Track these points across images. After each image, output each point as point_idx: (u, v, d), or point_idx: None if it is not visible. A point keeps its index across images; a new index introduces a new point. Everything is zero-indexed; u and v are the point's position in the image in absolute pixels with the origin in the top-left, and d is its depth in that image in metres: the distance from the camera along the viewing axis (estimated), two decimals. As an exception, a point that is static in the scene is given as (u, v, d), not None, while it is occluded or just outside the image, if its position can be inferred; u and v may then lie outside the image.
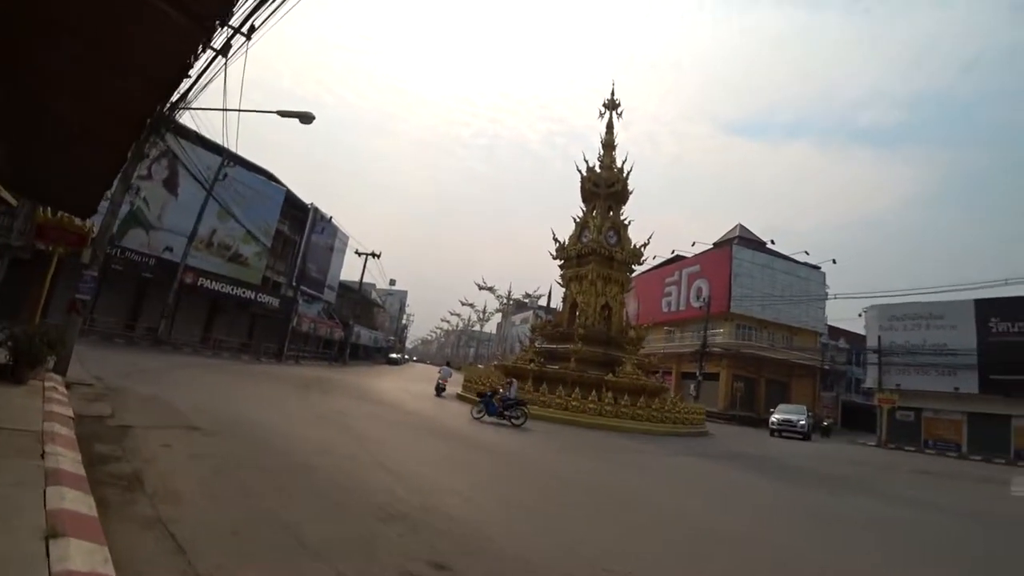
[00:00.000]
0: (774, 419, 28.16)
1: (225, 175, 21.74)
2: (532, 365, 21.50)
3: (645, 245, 25.78)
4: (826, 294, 50.68)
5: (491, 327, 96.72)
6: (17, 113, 6.99)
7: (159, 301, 23.47)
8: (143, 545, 3.49)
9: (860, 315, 41.54)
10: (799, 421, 27.23)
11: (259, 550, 3.73)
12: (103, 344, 19.42)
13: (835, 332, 54.58)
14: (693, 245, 47.95)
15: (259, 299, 28.14)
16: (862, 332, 53.98)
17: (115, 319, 23.03)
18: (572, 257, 25.32)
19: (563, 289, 26.29)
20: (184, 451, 6.12)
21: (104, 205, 11.76)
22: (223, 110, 12.56)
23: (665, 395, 22.90)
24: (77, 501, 3.68)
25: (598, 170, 26.19)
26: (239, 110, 12.74)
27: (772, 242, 46.57)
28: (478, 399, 15.79)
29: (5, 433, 5.04)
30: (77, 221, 10.82)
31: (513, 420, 14.62)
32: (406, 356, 60.57)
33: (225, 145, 16.42)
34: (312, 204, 32.79)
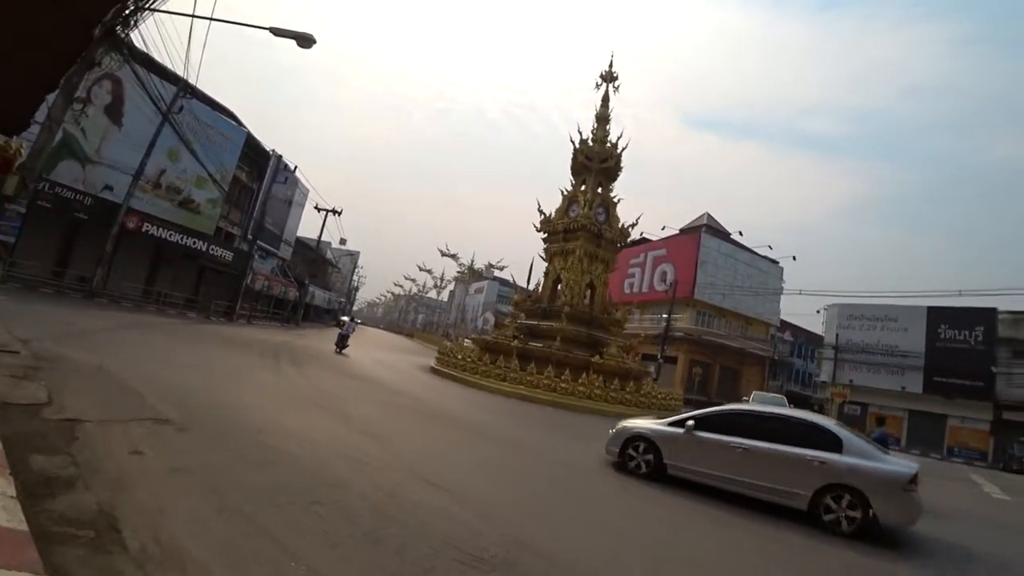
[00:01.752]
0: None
1: (181, 107, 18.73)
2: (516, 342, 20.23)
3: (633, 225, 24.84)
4: (782, 288, 52.20)
5: (445, 295, 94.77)
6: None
7: (94, 247, 20.38)
8: None
9: (818, 312, 42.61)
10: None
11: None
12: (27, 295, 16.59)
13: (782, 325, 56.58)
14: (663, 229, 47.52)
15: (211, 251, 25.16)
16: (807, 327, 56.61)
17: (40, 265, 19.84)
18: (559, 231, 23.99)
19: (545, 263, 25.01)
20: (162, 462, 4.46)
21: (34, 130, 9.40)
22: (194, 16, 10.34)
23: (646, 379, 22.31)
24: (23, 602, 2.10)
25: (590, 143, 24.81)
26: (214, 19, 10.54)
27: (740, 233, 46.77)
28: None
29: None
30: (1, 140, 8.48)
31: (343, 351, 20.87)
32: (356, 320, 58.54)
33: (185, 76, 13.99)
34: (274, 151, 29.66)
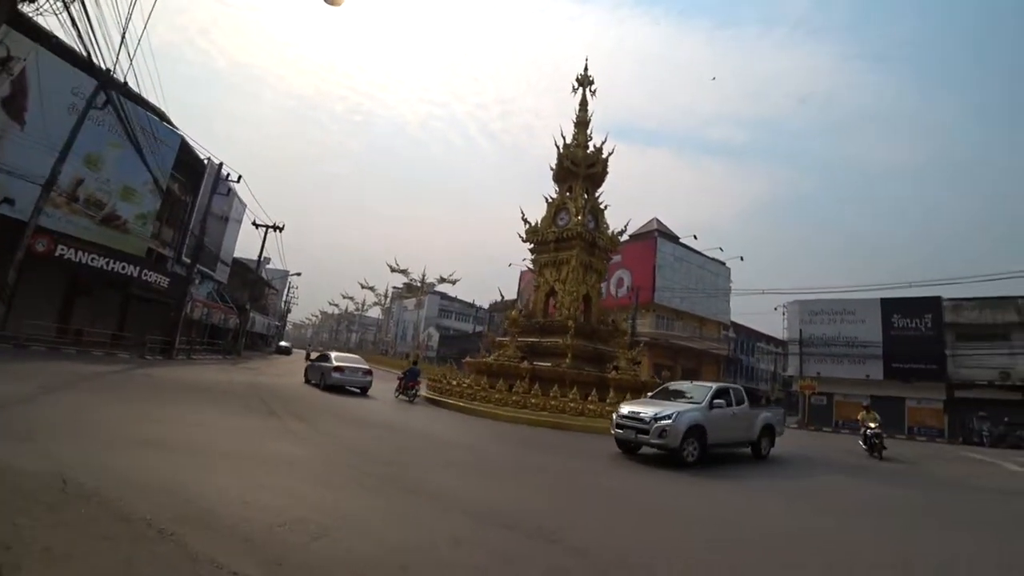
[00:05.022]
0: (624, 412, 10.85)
1: (106, 100, 14.93)
2: (525, 363, 18.12)
3: (622, 232, 23.59)
4: (730, 288, 53.70)
5: (379, 312, 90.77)
6: None
7: (-10, 277, 16.14)
8: None
9: (776, 309, 44.04)
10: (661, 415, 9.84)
11: None
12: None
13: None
14: (622, 235, 46.93)
15: (144, 276, 20.88)
16: (745, 324, 58.79)
17: (-85, 302, 15.38)
18: (548, 241, 22.21)
19: (535, 276, 23.05)
20: None
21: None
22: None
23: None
24: None
25: (573, 148, 23.29)
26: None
27: (695, 238, 46.93)
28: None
29: None
30: None
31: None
32: (290, 344, 55.32)
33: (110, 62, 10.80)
34: (210, 159, 25.51)
